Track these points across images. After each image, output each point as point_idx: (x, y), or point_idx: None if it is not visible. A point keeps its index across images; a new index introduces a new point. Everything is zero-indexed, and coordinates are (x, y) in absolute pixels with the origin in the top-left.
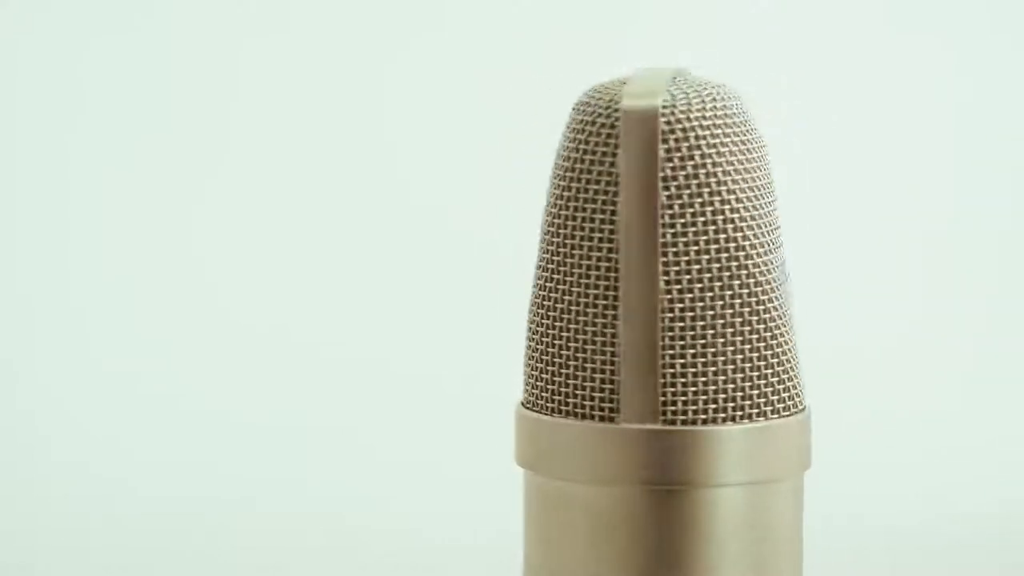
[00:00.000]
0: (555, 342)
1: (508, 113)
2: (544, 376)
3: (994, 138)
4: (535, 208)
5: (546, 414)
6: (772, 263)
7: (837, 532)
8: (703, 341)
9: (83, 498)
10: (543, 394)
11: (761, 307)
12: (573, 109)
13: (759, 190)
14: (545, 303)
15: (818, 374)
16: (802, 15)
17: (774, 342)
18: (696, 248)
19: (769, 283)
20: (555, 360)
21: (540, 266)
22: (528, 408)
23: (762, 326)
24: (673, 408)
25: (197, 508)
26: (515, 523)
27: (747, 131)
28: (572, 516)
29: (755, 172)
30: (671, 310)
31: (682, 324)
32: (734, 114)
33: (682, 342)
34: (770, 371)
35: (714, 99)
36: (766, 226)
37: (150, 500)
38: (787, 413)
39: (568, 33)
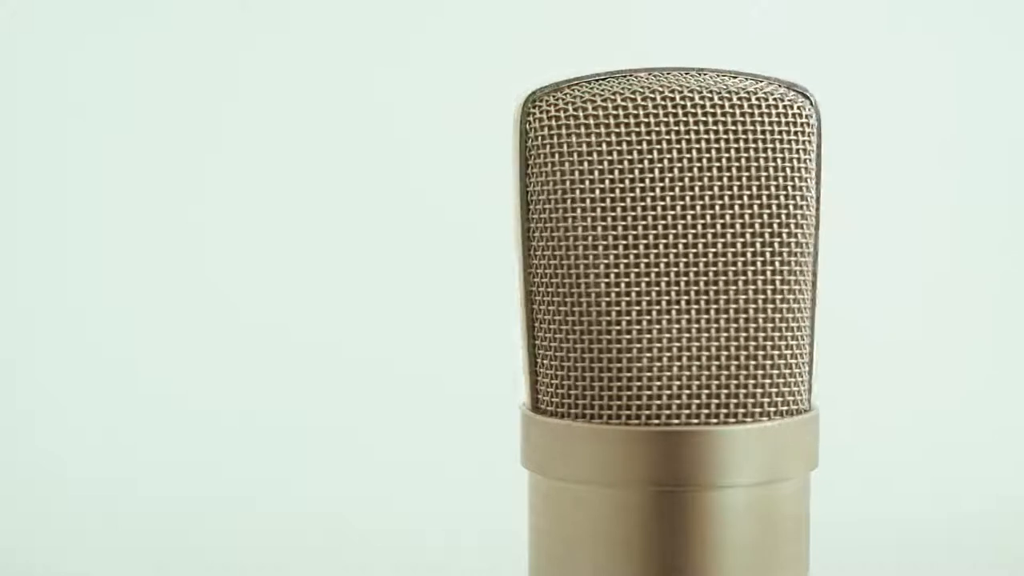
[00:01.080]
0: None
1: (508, 114)
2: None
3: (998, 138)
4: None
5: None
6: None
7: (843, 531)
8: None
9: (83, 498)
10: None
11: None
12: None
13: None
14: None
15: (823, 375)
16: (801, 16)
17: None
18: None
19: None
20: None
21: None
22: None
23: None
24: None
25: (197, 508)
26: (517, 524)
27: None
28: (579, 518)
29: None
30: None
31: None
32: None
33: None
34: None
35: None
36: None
37: (150, 500)
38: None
39: (568, 33)
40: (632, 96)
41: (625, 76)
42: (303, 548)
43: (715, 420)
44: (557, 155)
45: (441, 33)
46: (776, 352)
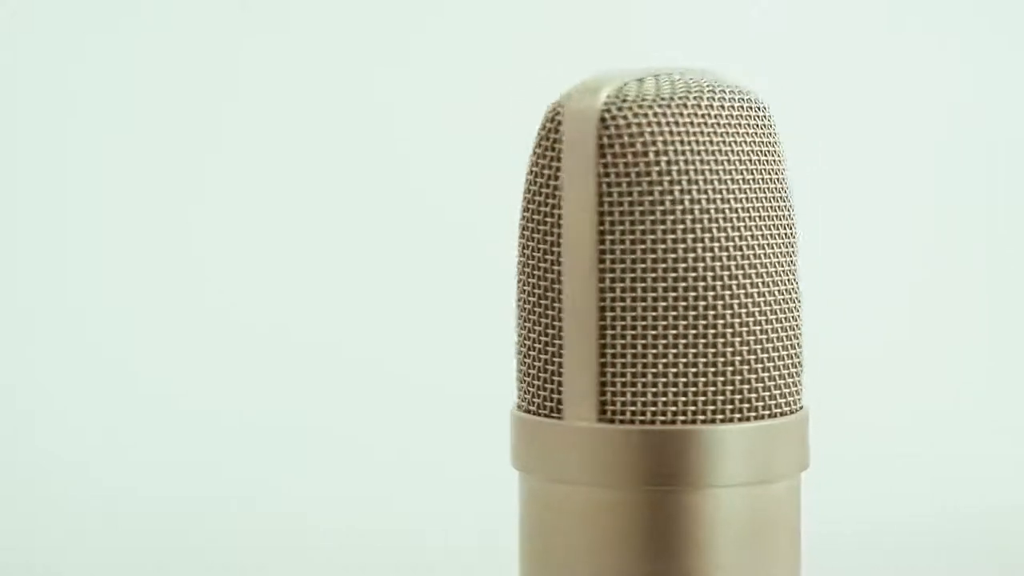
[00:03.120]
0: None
1: (506, 115)
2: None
3: (995, 139)
4: None
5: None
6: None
7: (835, 531)
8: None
9: (83, 498)
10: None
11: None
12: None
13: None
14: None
15: (816, 375)
16: (801, 17)
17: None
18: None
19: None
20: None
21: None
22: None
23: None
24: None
25: (197, 508)
26: (513, 525)
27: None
28: (569, 518)
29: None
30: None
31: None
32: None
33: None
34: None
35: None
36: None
37: (150, 500)
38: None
39: (567, 33)
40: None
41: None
42: (303, 548)
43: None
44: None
45: (441, 33)
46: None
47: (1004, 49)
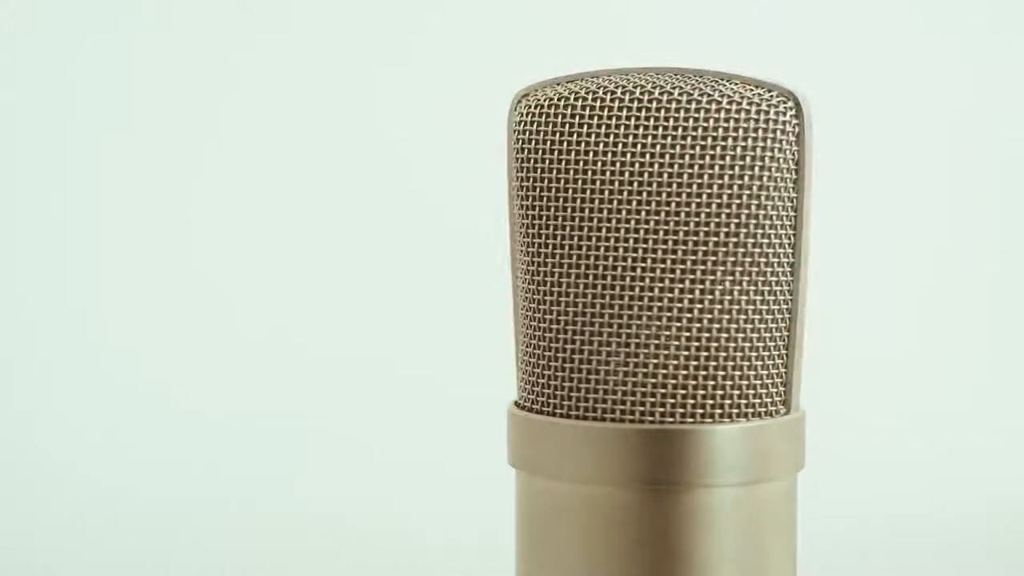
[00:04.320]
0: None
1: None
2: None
3: (997, 140)
4: None
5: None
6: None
7: (831, 531)
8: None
9: (83, 498)
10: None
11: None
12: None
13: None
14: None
15: (811, 376)
16: (801, 16)
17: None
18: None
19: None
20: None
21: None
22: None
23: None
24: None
25: (197, 508)
26: (511, 523)
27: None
28: (566, 516)
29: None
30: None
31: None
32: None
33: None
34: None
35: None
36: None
37: (150, 500)
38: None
39: (567, 33)
40: (602, 96)
41: (620, 74)
42: (303, 548)
43: (701, 419)
44: (538, 151)
45: (441, 33)
46: (761, 352)
47: (1014, 51)
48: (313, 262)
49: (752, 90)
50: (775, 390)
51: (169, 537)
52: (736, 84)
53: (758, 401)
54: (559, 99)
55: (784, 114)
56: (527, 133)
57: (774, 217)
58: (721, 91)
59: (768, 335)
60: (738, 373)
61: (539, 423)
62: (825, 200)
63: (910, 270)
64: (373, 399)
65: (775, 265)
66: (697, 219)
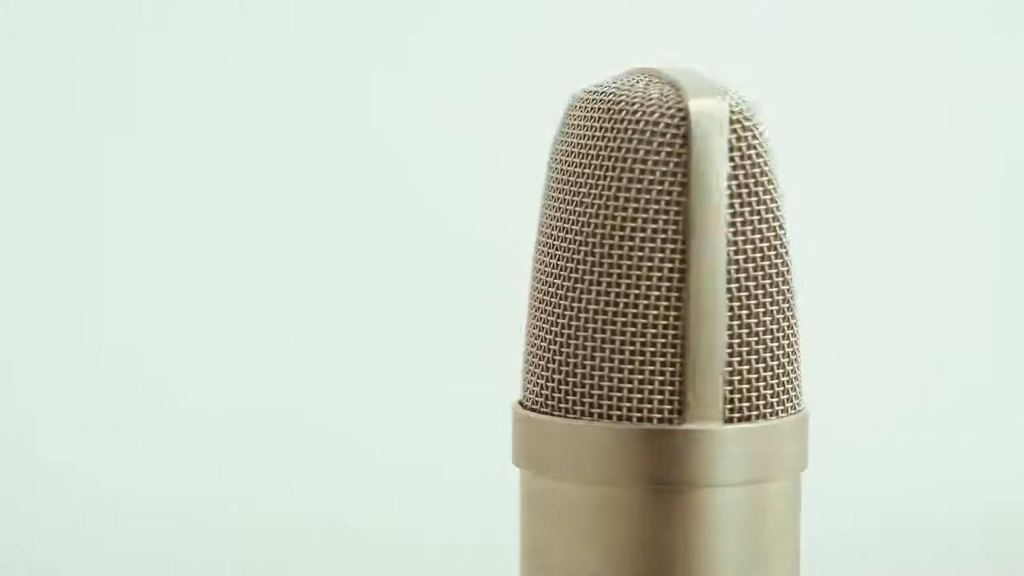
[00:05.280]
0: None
1: (504, 112)
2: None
3: (995, 140)
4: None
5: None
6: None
7: (835, 533)
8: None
9: (83, 498)
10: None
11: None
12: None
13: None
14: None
15: (816, 376)
16: (801, 16)
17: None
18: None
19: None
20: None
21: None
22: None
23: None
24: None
25: (197, 508)
26: (517, 524)
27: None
28: (570, 517)
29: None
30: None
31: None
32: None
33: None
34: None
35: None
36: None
37: (149, 500)
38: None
39: (568, 33)
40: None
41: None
42: (303, 548)
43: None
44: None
45: (441, 33)
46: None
47: (1015, 51)
48: (314, 262)
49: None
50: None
51: (169, 537)
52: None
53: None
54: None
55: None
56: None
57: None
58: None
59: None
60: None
61: (544, 422)
62: (827, 200)
63: (912, 269)
64: (373, 399)
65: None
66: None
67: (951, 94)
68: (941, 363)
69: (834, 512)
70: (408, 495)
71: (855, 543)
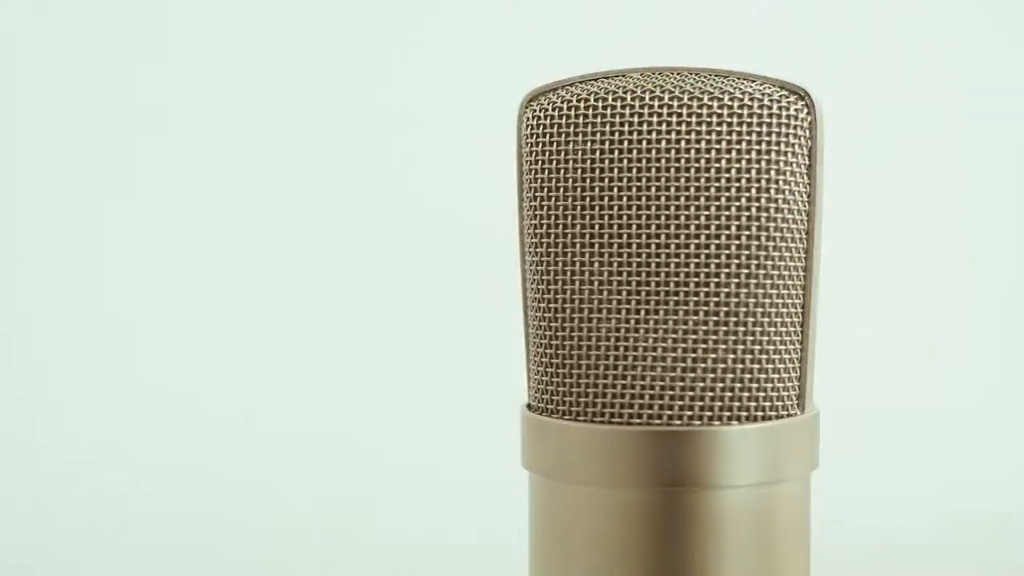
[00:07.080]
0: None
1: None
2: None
3: (1010, 140)
4: None
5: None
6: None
7: (844, 531)
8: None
9: (84, 498)
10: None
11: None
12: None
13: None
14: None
15: (826, 376)
16: (801, 16)
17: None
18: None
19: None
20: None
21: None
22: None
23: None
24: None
25: (199, 508)
26: (517, 524)
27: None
28: (581, 518)
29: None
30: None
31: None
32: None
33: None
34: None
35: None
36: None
37: (151, 500)
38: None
39: (568, 33)
40: (622, 96)
41: (619, 76)
42: (303, 548)
43: (715, 420)
44: (547, 153)
45: (442, 33)
46: (775, 352)
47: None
48: (319, 263)
49: (759, 85)
50: (789, 391)
51: (171, 536)
52: (738, 81)
53: (770, 404)
54: (577, 100)
55: (794, 108)
56: (537, 136)
57: (782, 217)
58: (730, 89)
59: (785, 336)
60: (752, 374)
61: (553, 426)
62: (835, 201)
63: (927, 272)
64: (379, 400)
65: (785, 265)
66: (718, 220)
67: (961, 91)
68: (955, 364)
69: (846, 511)
70: (409, 495)
71: (862, 540)
